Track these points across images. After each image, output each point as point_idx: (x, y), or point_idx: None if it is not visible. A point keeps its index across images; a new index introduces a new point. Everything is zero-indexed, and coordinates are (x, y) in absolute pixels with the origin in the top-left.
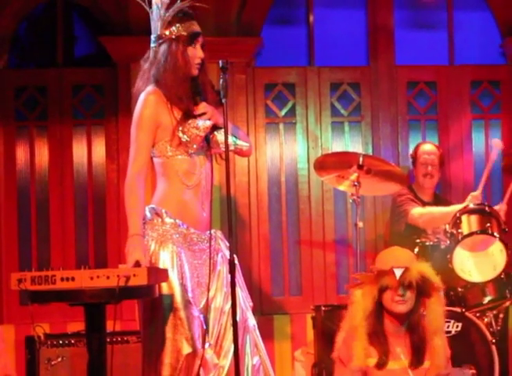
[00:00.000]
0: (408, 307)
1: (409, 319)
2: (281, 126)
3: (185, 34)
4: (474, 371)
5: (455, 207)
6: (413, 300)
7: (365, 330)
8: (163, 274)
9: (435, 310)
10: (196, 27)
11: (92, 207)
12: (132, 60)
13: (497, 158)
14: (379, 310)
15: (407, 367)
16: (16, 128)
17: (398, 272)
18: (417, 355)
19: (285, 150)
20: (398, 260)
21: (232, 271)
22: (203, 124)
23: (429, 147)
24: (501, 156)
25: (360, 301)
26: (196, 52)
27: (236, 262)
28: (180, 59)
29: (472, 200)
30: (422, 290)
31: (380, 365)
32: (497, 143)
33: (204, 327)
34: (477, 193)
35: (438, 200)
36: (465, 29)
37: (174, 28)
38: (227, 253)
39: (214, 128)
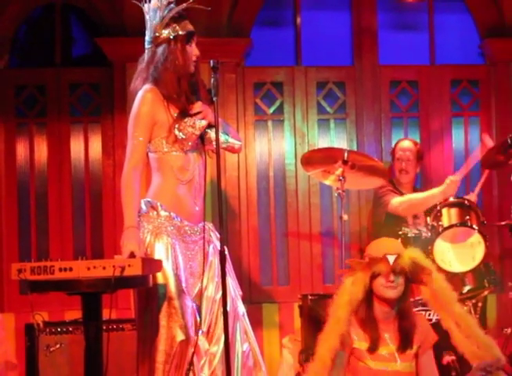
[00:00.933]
0: (398, 293)
1: (398, 305)
2: (269, 123)
3: (182, 33)
4: (453, 357)
5: (431, 191)
6: (403, 286)
7: (348, 315)
8: (157, 264)
9: (441, 286)
10: (191, 27)
11: (89, 201)
12: (127, 60)
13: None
14: (369, 297)
15: (395, 352)
16: (16, 125)
17: (390, 259)
18: (405, 340)
19: (273, 146)
20: (390, 248)
21: (222, 261)
22: (199, 123)
23: (405, 144)
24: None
25: (349, 288)
26: (192, 50)
27: (226, 252)
28: (180, 57)
29: (450, 184)
30: (413, 276)
31: (372, 349)
32: (489, 141)
33: (197, 315)
34: (456, 178)
35: (417, 191)
36: (445, 30)
37: (171, 28)
38: (218, 244)
39: (208, 126)
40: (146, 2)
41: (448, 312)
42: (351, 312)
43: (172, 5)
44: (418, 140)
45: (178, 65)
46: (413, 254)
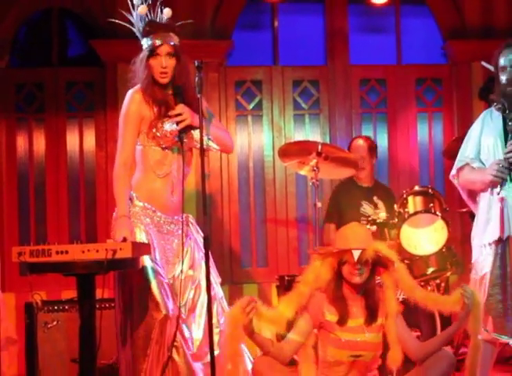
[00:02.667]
0: (363, 279)
1: (364, 287)
2: (249, 118)
3: (146, 47)
4: (418, 334)
5: None
6: (368, 272)
7: (310, 291)
8: (145, 248)
9: (402, 276)
10: (160, 39)
11: (84, 189)
12: (119, 60)
13: None
14: (338, 278)
15: (362, 324)
16: (16, 120)
17: (356, 254)
18: (371, 315)
19: (253, 139)
20: (357, 241)
21: (206, 247)
22: (171, 127)
23: (357, 143)
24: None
25: (317, 268)
26: (160, 63)
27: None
28: (141, 70)
29: None
30: (377, 263)
31: (341, 323)
32: None
33: (174, 294)
34: None
35: (377, 185)
36: (411, 33)
37: (144, 40)
38: (196, 236)
39: (190, 127)
40: (134, 10)
41: (410, 296)
42: (314, 289)
43: (149, 17)
44: (386, 134)
45: (144, 74)
46: (378, 247)
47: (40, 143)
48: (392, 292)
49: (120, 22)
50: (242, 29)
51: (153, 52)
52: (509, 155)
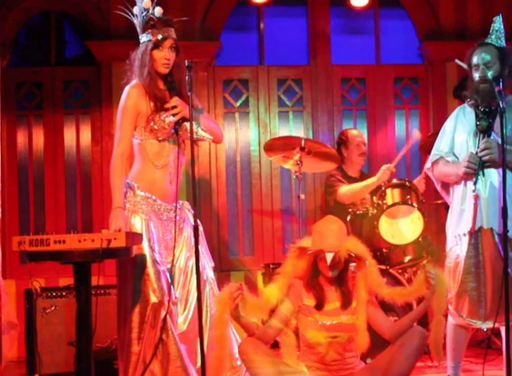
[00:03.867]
0: (337, 272)
1: (339, 277)
2: (236, 115)
3: (152, 39)
4: (396, 318)
5: (369, 180)
6: (342, 266)
7: (289, 281)
8: (138, 238)
9: (372, 272)
10: (167, 34)
11: (80, 182)
12: (113, 60)
13: (414, 144)
14: (315, 270)
15: (338, 308)
16: (16, 117)
17: (329, 257)
18: (346, 300)
19: (240, 135)
20: (331, 240)
21: (195, 235)
22: (169, 119)
23: (353, 132)
24: (419, 141)
25: (294, 262)
26: (163, 54)
27: (201, 228)
28: (147, 60)
29: (384, 172)
30: (350, 259)
31: (319, 307)
32: (416, 134)
33: (169, 280)
34: (391, 165)
35: (363, 175)
36: (389, 34)
37: (145, 34)
38: (193, 221)
39: (184, 119)
40: (132, 7)
41: (378, 293)
42: (293, 278)
43: (148, 12)
44: (365, 130)
45: (146, 66)
46: (350, 246)
47: (39, 138)
48: (362, 283)
49: (125, 15)
50: (230, 31)
51: (157, 44)
52: (481, 154)
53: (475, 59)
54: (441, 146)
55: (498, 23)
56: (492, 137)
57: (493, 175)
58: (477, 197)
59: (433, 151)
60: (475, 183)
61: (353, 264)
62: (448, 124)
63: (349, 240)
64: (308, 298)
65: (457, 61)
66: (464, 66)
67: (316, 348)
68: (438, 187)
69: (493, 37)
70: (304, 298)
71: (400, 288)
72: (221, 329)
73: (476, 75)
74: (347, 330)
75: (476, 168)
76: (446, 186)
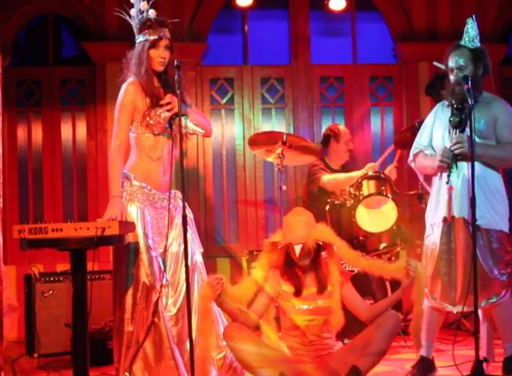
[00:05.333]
0: (308, 261)
1: (312, 264)
2: (223, 112)
3: (149, 39)
4: (372, 301)
5: (354, 174)
6: (312, 254)
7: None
8: (131, 226)
9: (344, 254)
10: (162, 34)
11: (76, 174)
12: (107, 60)
13: (389, 154)
14: (289, 260)
15: (315, 293)
16: (16, 113)
17: (297, 249)
18: (321, 285)
19: (225, 130)
20: (297, 235)
21: (184, 223)
22: (164, 114)
23: (344, 128)
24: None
25: (269, 255)
26: (159, 53)
27: (192, 216)
28: (144, 58)
29: (368, 168)
30: (320, 247)
31: (297, 294)
32: (391, 147)
33: (162, 266)
34: (374, 164)
35: (344, 169)
36: (365, 36)
37: (142, 34)
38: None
39: (177, 114)
40: (125, 10)
41: (357, 266)
42: (269, 269)
43: (145, 14)
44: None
45: (143, 64)
46: (317, 234)
47: (38, 133)
48: (335, 267)
49: (122, 16)
50: (216, 32)
51: (154, 44)
52: (453, 148)
53: (450, 63)
54: (421, 140)
55: (471, 25)
56: (465, 132)
57: (465, 167)
58: (450, 189)
59: (414, 144)
60: (449, 176)
61: (324, 252)
62: (428, 120)
63: (317, 229)
64: (286, 285)
65: (435, 63)
66: (442, 67)
67: (295, 330)
68: (421, 178)
69: (466, 39)
70: (283, 285)
71: (378, 261)
72: (204, 320)
73: (451, 78)
74: (323, 314)
75: (449, 162)
76: (428, 177)
